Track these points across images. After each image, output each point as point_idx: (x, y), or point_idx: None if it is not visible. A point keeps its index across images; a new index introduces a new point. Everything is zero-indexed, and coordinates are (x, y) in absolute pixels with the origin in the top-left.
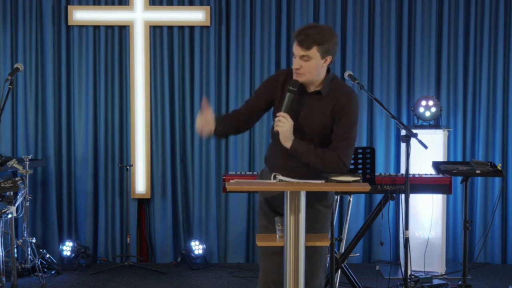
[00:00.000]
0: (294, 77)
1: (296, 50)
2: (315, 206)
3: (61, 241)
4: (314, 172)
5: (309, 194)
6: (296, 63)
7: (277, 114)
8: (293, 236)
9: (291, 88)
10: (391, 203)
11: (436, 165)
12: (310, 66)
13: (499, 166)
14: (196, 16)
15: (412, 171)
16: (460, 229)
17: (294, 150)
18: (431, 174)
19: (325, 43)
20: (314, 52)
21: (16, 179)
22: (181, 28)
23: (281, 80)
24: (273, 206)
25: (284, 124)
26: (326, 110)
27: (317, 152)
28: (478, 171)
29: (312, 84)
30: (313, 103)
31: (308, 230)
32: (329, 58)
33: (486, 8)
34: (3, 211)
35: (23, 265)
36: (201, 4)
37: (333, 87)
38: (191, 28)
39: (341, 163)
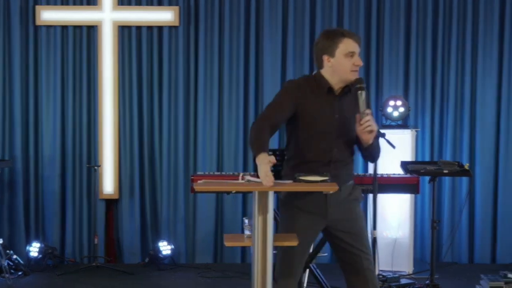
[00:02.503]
0: (353, 76)
1: (355, 47)
2: (357, 204)
3: (28, 242)
4: (349, 174)
5: (350, 198)
6: (359, 60)
7: (366, 113)
8: (261, 236)
9: (361, 86)
10: None
11: (404, 165)
12: None
13: (466, 166)
14: (165, 16)
15: (380, 171)
16: (428, 229)
17: (373, 143)
18: (399, 174)
19: None
20: None
21: None
22: (150, 28)
23: (301, 90)
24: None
25: (374, 122)
26: (355, 104)
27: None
28: (445, 171)
29: (338, 84)
30: (347, 102)
31: (359, 230)
32: None
33: (454, 9)
34: None
35: None
36: (170, 4)
37: None
38: (160, 28)
39: None
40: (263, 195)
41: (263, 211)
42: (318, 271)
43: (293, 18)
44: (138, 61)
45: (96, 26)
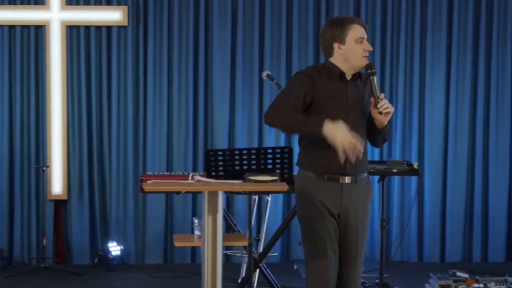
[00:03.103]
0: (364, 61)
1: (364, 33)
2: (367, 203)
3: None
4: (364, 164)
5: (364, 192)
6: (369, 45)
7: (380, 97)
8: (211, 236)
9: (372, 71)
10: None
11: None
12: None
13: (415, 165)
14: (114, 16)
15: None
16: (377, 228)
17: (387, 125)
18: None
19: None
20: None
21: None
22: (98, 28)
23: (312, 78)
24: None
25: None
26: (365, 89)
27: None
28: (394, 170)
29: (349, 71)
30: (359, 87)
31: (364, 228)
32: None
33: (403, 8)
34: None
35: None
36: (119, 4)
37: None
38: (109, 28)
39: None
40: (213, 195)
41: (213, 211)
42: (268, 270)
43: (242, 18)
44: (87, 61)
45: (44, 26)
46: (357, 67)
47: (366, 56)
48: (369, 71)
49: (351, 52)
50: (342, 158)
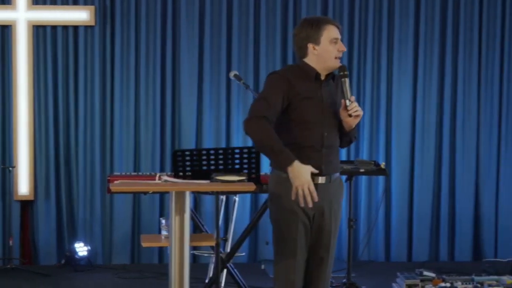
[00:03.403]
0: (337, 62)
1: (338, 33)
2: (340, 202)
3: None
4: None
5: (337, 192)
6: (343, 46)
7: (351, 100)
8: (178, 236)
9: (345, 73)
10: None
11: None
12: None
13: (382, 165)
14: (80, 15)
15: None
16: (345, 228)
17: (355, 127)
18: None
19: None
20: None
21: None
22: (65, 28)
23: (288, 80)
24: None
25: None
26: (337, 89)
27: None
28: (362, 170)
29: (323, 71)
30: (332, 88)
31: (336, 229)
32: None
33: (370, 7)
34: None
35: None
36: (85, 3)
37: None
38: (75, 28)
39: None
40: (180, 195)
41: (180, 211)
42: (235, 270)
43: (209, 17)
44: (53, 60)
45: (11, 25)
46: (330, 68)
47: (339, 57)
48: (342, 73)
49: (326, 52)
50: (293, 196)
